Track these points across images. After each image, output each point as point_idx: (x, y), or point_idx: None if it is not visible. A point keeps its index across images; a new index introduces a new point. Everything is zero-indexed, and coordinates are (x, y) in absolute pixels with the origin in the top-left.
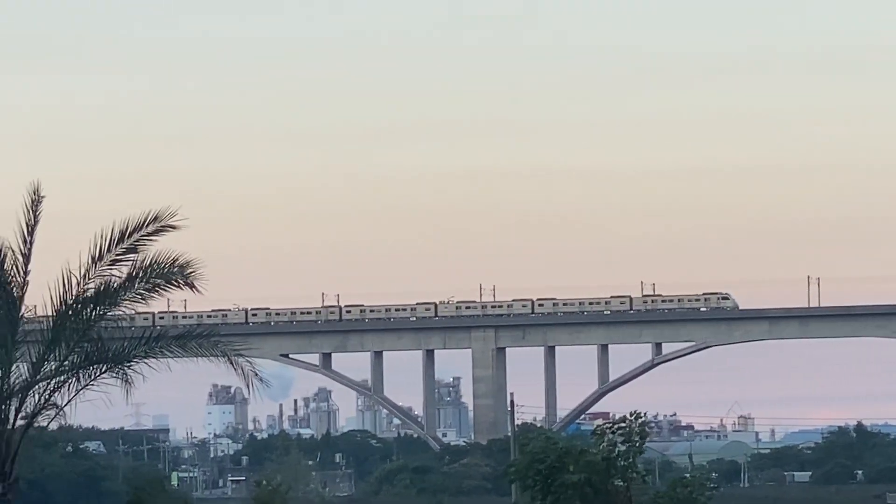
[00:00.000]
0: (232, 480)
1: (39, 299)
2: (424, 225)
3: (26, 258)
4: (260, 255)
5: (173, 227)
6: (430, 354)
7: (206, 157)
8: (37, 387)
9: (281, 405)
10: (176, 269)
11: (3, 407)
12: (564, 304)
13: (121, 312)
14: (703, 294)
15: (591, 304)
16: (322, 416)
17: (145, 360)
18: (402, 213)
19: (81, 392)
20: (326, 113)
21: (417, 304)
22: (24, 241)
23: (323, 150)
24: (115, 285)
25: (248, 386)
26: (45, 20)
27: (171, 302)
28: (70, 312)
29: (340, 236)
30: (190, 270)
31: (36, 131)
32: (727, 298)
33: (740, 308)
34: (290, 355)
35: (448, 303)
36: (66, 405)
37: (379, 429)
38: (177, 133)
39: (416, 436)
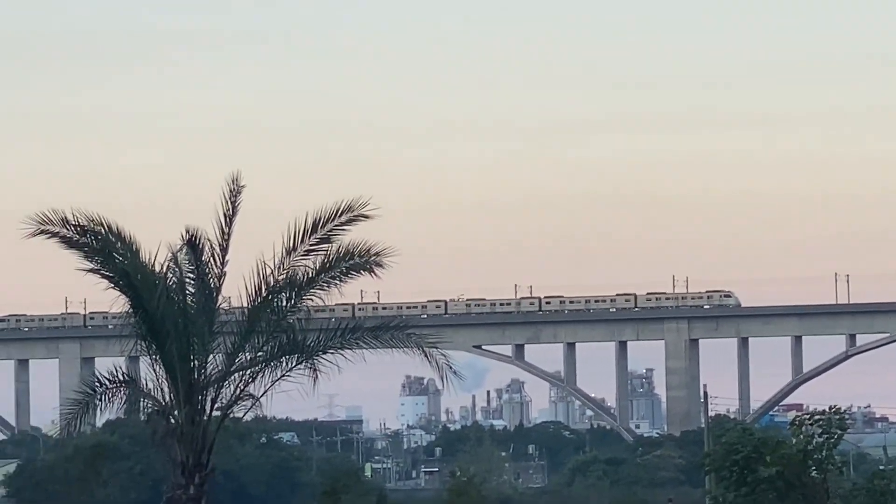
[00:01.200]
0: (425, 471)
1: (234, 290)
2: (622, 215)
3: (223, 249)
4: (453, 246)
5: (366, 217)
6: (622, 346)
7: (403, 147)
8: (232, 378)
9: (474, 396)
10: (370, 259)
11: (200, 397)
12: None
13: (313, 303)
14: None
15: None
16: (515, 407)
17: (340, 352)
18: (597, 205)
19: (276, 383)
20: (525, 104)
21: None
22: (222, 233)
23: (521, 141)
24: (309, 275)
25: (441, 377)
26: (240, 14)
27: (368, 293)
28: (265, 303)
29: (533, 228)
30: (382, 259)
31: (234, 122)
32: None
33: None
34: (483, 346)
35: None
36: (261, 396)
37: (572, 420)
38: (366, 123)
39: (608, 427)
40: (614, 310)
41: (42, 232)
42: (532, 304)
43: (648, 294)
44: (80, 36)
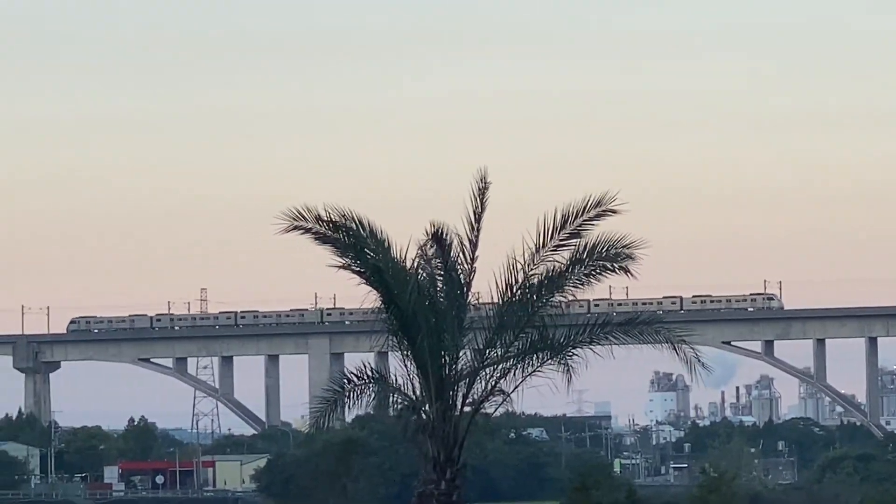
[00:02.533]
0: (674, 467)
1: (483, 286)
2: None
3: (473, 245)
4: (698, 242)
5: (613, 212)
6: (872, 342)
7: (644, 143)
8: (483, 373)
9: (723, 392)
10: (619, 254)
11: (451, 392)
12: None
13: (563, 298)
14: None
15: None
16: (764, 403)
17: (590, 347)
18: (838, 202)
19: (527, 379)
20: (757, 97)
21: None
22: (472, 228)
23: (773, 138)
24: (559, 271)
25: (690, 373)
26: (479, 11)
27: (610, 288)
28: (515, 299)
29: (782, 222)
30: (631, 255)
31: (485, 117)
32: None
33: None
34: (732, 342)
35: None
36: (512, 391)
37: (821, 416)
38: (605, 119)
39: (859, 424)
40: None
41: (296, 228)
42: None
43: (694, 297)
44: (321, 35)
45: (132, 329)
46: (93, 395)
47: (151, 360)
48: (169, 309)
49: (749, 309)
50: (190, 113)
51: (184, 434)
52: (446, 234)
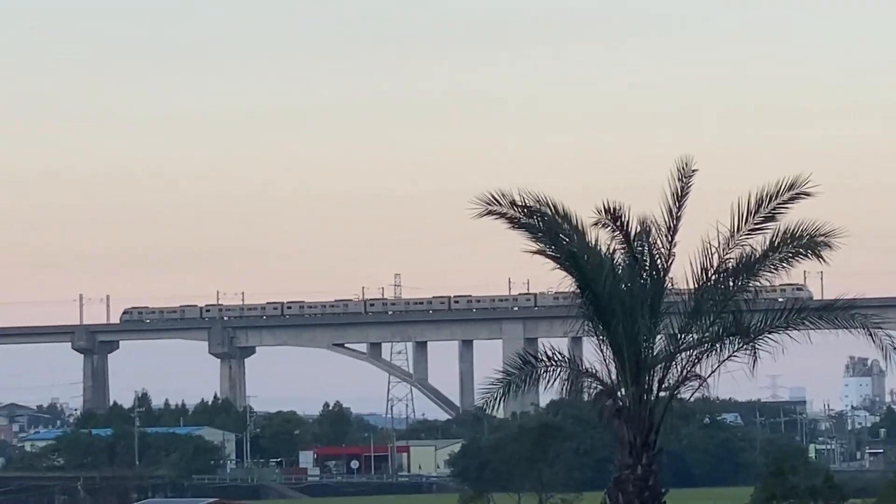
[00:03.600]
0: (869, 453)
1: (678, 271)
2: None
3: (672, 231)
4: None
5: (807, 195)
6: None
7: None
8: (678, 358)
9: None
10: (815, 241)
11: (647, 377)
12: None
13: (757, 283)
14: None
15: None
16: None
17: (786, 332)
18: None
19: (722, 364)
20: None
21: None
22: (671, 215)
23: None
24: (754, 256)
25: (885, 359)
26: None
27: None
28: (710, 284)
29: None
30: (829, 243)
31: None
32: None
33: None
34: None
35: None
36: (708, 377)
37: None
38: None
39: None
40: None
41: (490, 212)
42: None
43: None
44: (513, 22)
45: (328, 314)
46: (288, 381)
47: (346, 345)
48: (363, 295)
49: None
50: (391, 101)
51: (378, 419)
52: (645, 221)
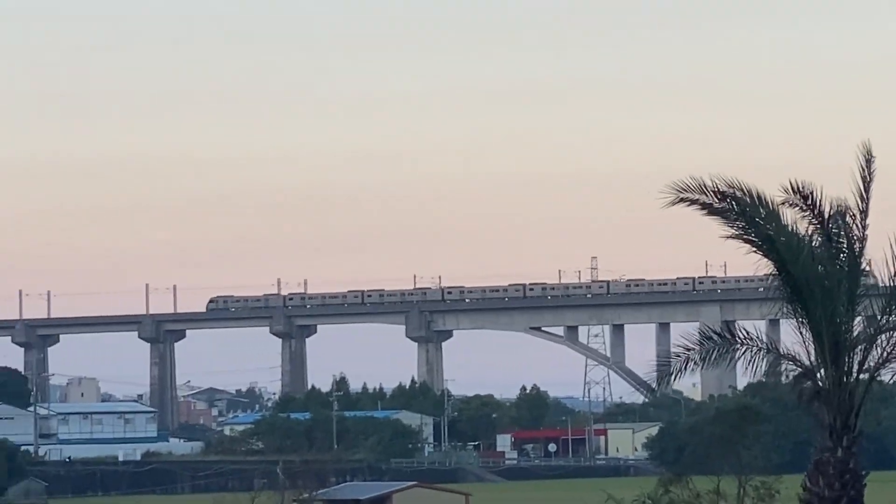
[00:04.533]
0: None
1: (877, 253)
2: None
3: (863, 214)
4: None
5: None
6: None
7: None
8: (879, 340)
9: None
10: None
11: (847, 359)
12: None
13: None
14: None
15: None
16: None
17: None
18: None
19: None
20: None
21: None
22: (861, 199)
23: None
24: None
25: None
26: None
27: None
28: None
29: None
30: None
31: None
32: None
33: None
34: None
35: None
36: None
37: None
38: None
39: None
40: None
41: (682, 200)
42: None
43: None
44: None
45: (524, 297)
46: (485, 364)
47: (542, 328)
48: (560, 278)
49: None
50: (583, 81)
51: (575, 402)
52: (840, 206)
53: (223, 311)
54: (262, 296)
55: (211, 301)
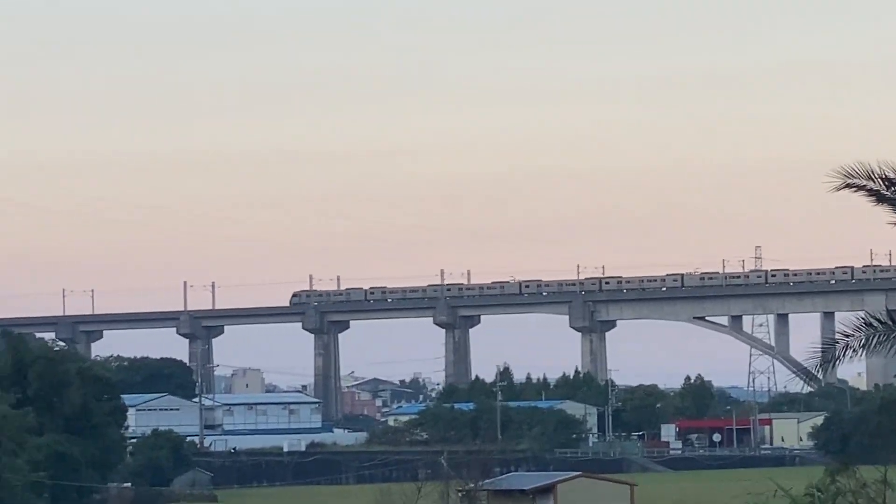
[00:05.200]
0: None
1: None
2: None
3: None
4: None
5: None
6: None
7: None
8: None
9: None
10: None
11: None
12: None
13: None
14: None
15: None
16: None
17: None
18: None
19: None
20: None
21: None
22: None
23: None
24: None
25: None
26: None
27: None
28: None
29: None
30: None
31: None
32: None
33: None
34: None
35: None
36: None
37: None
38: None
39: None
40: None
41: (847, 185)
42: None
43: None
44: None
45: (686, 287)
46: (648, 354)
47: (706, 318)
48: (723, 267)
49: None
50: (739, 71)
51: (740, 392)
52: None
53: (386, 302)
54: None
55: (294, 295)
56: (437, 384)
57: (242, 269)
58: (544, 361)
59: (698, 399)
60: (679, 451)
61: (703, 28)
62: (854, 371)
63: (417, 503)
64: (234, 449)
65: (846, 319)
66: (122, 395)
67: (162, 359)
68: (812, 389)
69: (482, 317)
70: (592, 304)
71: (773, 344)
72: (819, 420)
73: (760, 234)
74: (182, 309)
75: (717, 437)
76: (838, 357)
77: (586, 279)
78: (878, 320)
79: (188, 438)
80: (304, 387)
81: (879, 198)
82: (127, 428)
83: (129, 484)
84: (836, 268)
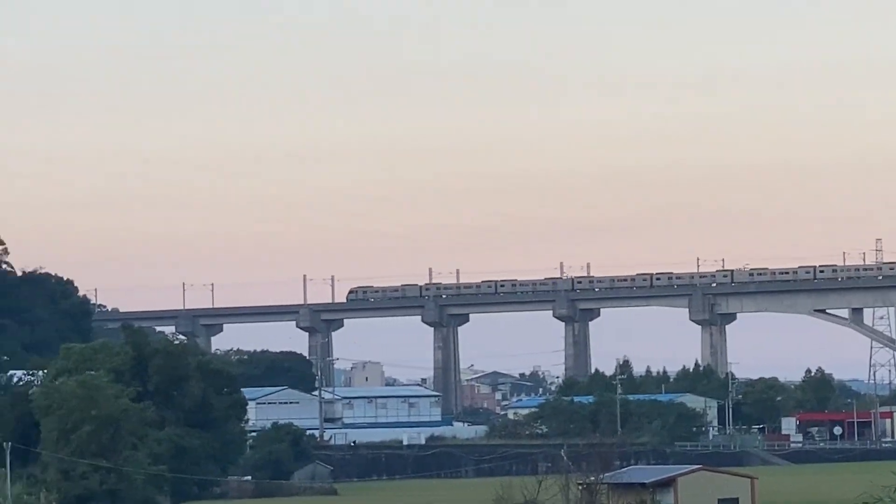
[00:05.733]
0: None
1: None
2: None
3: None
4: None
5: None
6: None
7: None
8: None
9: None
10: None
11: None
12: None
13: None
14: None
15: None
16: None
17: None
18: None
19: None
20: None
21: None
22: None
23: None
24: None
25: None
26: None
27: None
28: None
29: None
30: None
31: None
32: None
33: None
34: None
35: None
36: None
37: None
38: None
39: None
40: None
41: None
42: None
43: None
44: None
45: (808, 280)
46: (769, 347)
47: (827, 310)
48: (844, 260)
49: None
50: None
51: (860, 385)
52: None
53: (506, 296)
54: (545, 279)
55: (351, 292)
56: (557, 377)
57: (364, 263)
58: (664, 354)
59: (819, 392)
60: (800, 445)
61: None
62: None
63: (538, 497)
64: (353, 442)
65: None
66: (243, 389)
67: (281, 352)
68: None
69: (602, 310)
70: (712, 297)
71: (894, 337)
72: None
73: (882, 227)
74: (302, 303)
75: (838, 431)
76: None
77: (717, 271)
78: None
79: (308, 432)
80: (424, 380)
81: None
82: (247, 421)
83: (250, 477)
84: None
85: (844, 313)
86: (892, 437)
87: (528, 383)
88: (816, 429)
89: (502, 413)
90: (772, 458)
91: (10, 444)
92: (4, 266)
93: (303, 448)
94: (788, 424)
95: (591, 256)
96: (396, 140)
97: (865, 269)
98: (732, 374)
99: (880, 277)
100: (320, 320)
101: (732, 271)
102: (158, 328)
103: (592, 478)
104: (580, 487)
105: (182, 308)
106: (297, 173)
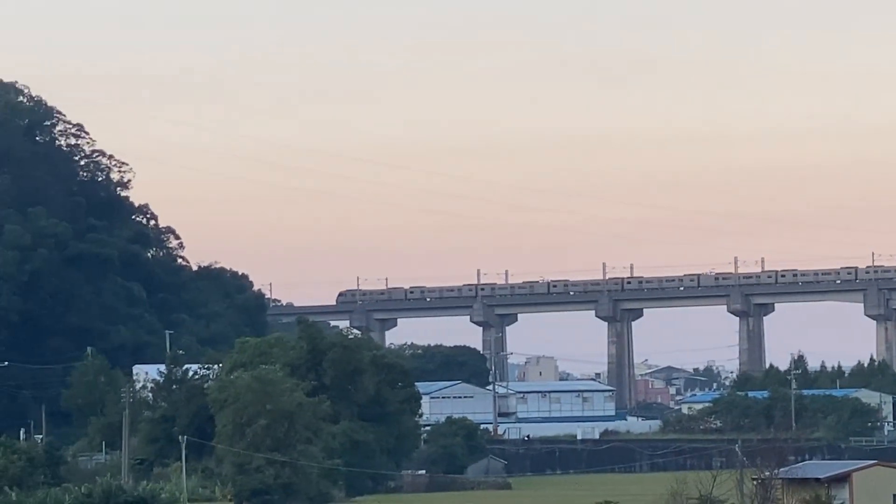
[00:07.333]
0: None
1: None
2: None
3: None
4: None
5: None
6: None
7: None
8: None
9: None
10: None
11: None
12: None
13: None
14: None
15: None
16: None
17: None
18: None
19: None
20: None
21: None
22: None
23: None
24: None
25: None
26: None
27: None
28: None
29: None
30: None
31: None
32: None
33: None
34: None
35: None
36: None
37: None
38: None
39: None
40: None
41: None
42: None
43: None
44: None
45: None
46: None
47: None
48: None
49: None
50: None
51: None
52: None
53: (689, 290)
54: (717, 273)
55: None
56: (731, 372)
57: (535, 258)
58: (839, 349)
59: None
60: None
61: None
62: None
63: (713, 491)
64: (527, 436)
65: None
66: (417, 383)
67: (455, 347)
68: None
69: (776, 305)
70: (888, 291)
71: None
72: None
73: None
74: (476, 297)
75: None
76: None
77: (879, 266)
78: None
79: (482, 426)
80: (598, 374)
81: None
82: (421, 415)
83: (424, 471)
84: None
85: None
86: None
87: (703, 378)
88: None
89: (676, 408)
90: None
91: (185, 437)
92: (180, 261)
93: (477, 442)
94: None
95: (764, 251)
96: (546, 133)
97: None
98: None
99: None
100: (494, 315)
101: None
102: (333, 323)
103: (767, 473)
104: (755, 482)
105: (356, 302)
106: (467, 167)
